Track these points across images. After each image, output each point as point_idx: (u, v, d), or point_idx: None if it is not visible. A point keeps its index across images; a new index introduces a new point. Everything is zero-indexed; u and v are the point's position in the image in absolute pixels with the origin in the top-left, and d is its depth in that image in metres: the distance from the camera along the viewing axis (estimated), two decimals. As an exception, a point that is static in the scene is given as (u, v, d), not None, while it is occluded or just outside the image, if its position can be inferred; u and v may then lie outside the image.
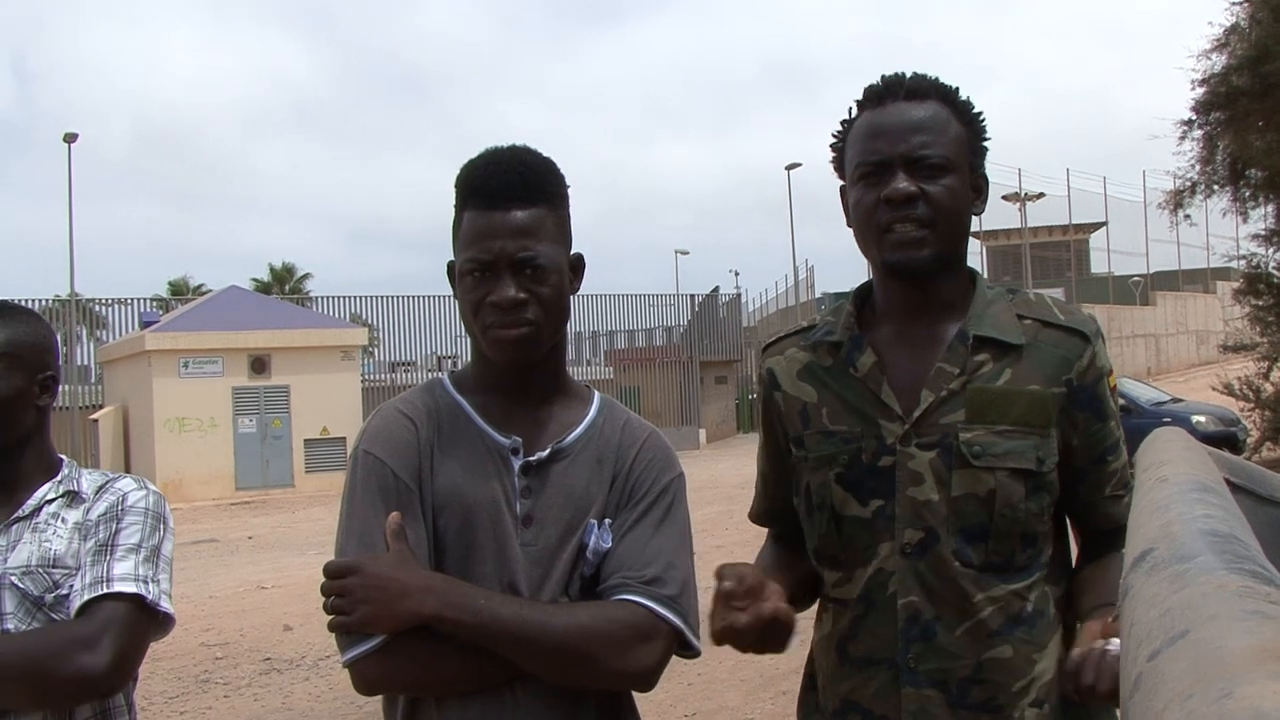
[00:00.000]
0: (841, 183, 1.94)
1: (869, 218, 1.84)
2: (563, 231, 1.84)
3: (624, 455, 1.86)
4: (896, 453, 1.82)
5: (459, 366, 1.93)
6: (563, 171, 1.87)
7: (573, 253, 1.88)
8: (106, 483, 2.16)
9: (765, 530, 2.20)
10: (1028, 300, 1.91)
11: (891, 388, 1.85)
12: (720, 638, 1.69)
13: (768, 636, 1.69)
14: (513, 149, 1.85)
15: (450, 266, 1.86)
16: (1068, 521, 1.94)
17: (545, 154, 1.87)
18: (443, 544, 1.77)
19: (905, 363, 1.86)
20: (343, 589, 1.67)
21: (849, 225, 1.92)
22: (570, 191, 1.89)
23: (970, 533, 1.79)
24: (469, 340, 1.88)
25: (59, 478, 2.15)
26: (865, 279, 2.00)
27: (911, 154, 1.81)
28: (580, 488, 1.82)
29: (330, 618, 1.69)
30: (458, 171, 1.84)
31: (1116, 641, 1.53)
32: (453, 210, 1.84)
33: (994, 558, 1.79)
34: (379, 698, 1.83)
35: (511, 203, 1.77)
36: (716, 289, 37.83)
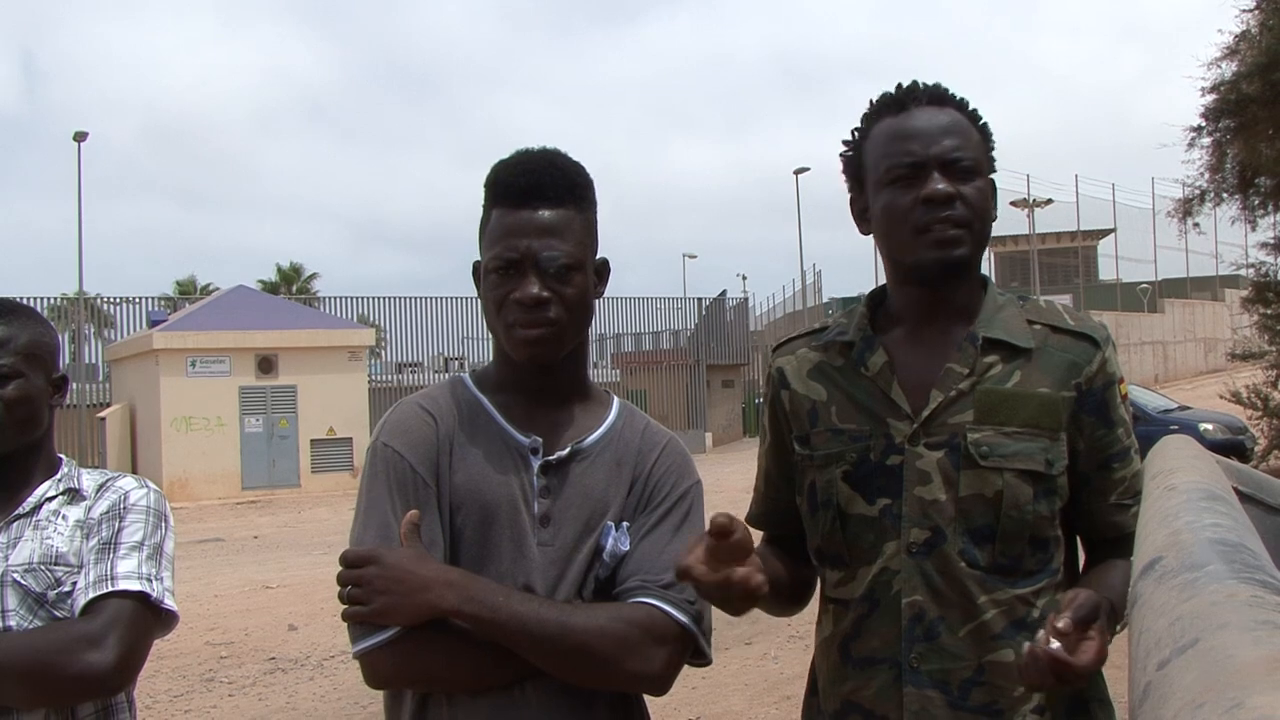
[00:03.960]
0: (850, 194, 1.95)
1: (904, 219, 1.83)
2: (589, 234, 1.85)
3: (643, 459, 1.86)
4: (905, 452, 1.82)
5: (466, 368, 1.94)
6: (591, 176, 1.88)
7: (598, 257, 1.88)
8: (107, 481, 2.17)
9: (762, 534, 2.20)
10: (1038, 306, 1.92)
11: (901, 387, 1.85)
12: (681, 575, 1.63)
13: (730, 599, 1.63)
14: (543, 151, 1.86)
15: (476, 266, 1.87)
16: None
17: (574, 158, 1.88)
18: (459, 540, 1.76)
19: (915, 363, 1.87)
20: (360, 579, 1.66)
21: (863, 233, 1.94)
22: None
23: (977, 534, 1.79)
24: (478, 341, 1.90)
25: (58, 476, 2.16)
26: (872, 283, 2.00)
27: (946, 155, 1.82)
28: (599, 489, 1.82)
29: (344, 607, 1.68)
30: (489, 170, 1.85)
31: (1056, 644, 1.48)
32: (481, 209, 1.85)
33: (1001, 560, 1.79)
34: (382, 698, 1.83)
35: (539, 203, 1.78)
36: (724, 293, 37.86)
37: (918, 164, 1.82)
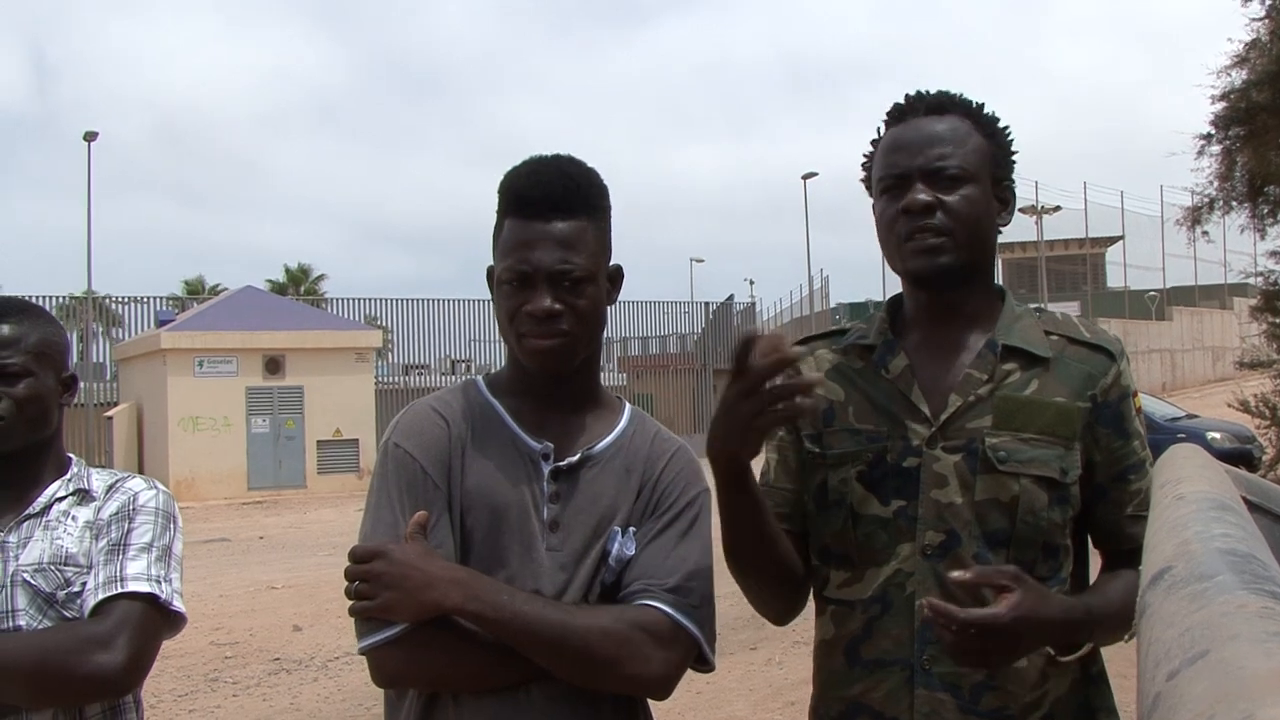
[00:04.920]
0: (873, 200, 1.97)
1: (891, 229, 1.88)
2: (602, 243, 1.85)
3: (652, 466, 1.86)
4: (922, 454, 1.84)
5: (473, 370, 1.94)
6: (605, 183, 1.88)
7: (611, 264, 1.89)
8: (116, 482, 2.17)
9: None
10: (1054, 318, 1.95)
11: (921, 390, 1.87)
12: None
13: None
14: (556, 158, 1.86)
15: (489, 271, 1.87)
16: (1090, 543, 1.94)
17: (589, 164, 1.87)
18: (469, 543, 1.77)
19: (935, 368, 1.89)
20: (368, 573, 1.67)
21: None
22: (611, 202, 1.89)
23: (992, 538, 1.80)
24: (488, 344, 1.90)
25: (68, 476, 2.16)
26: (879, 289, 2.03)
27: (929, 165, 1.84)
28: (608, 495, 1.82)
29: (351, 603, 1.69)
30: (501, 178, 1.85)
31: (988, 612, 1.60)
32: (494, 215, 1.85)
33: (1014, 565, 1.78)
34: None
35: (552, 213, 1.78)
36: (731, 297, 37.91)
37: (902, 175, 1.86)
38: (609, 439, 1.87)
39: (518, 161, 1.87)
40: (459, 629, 1.66)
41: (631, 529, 1.81)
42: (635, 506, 1.83)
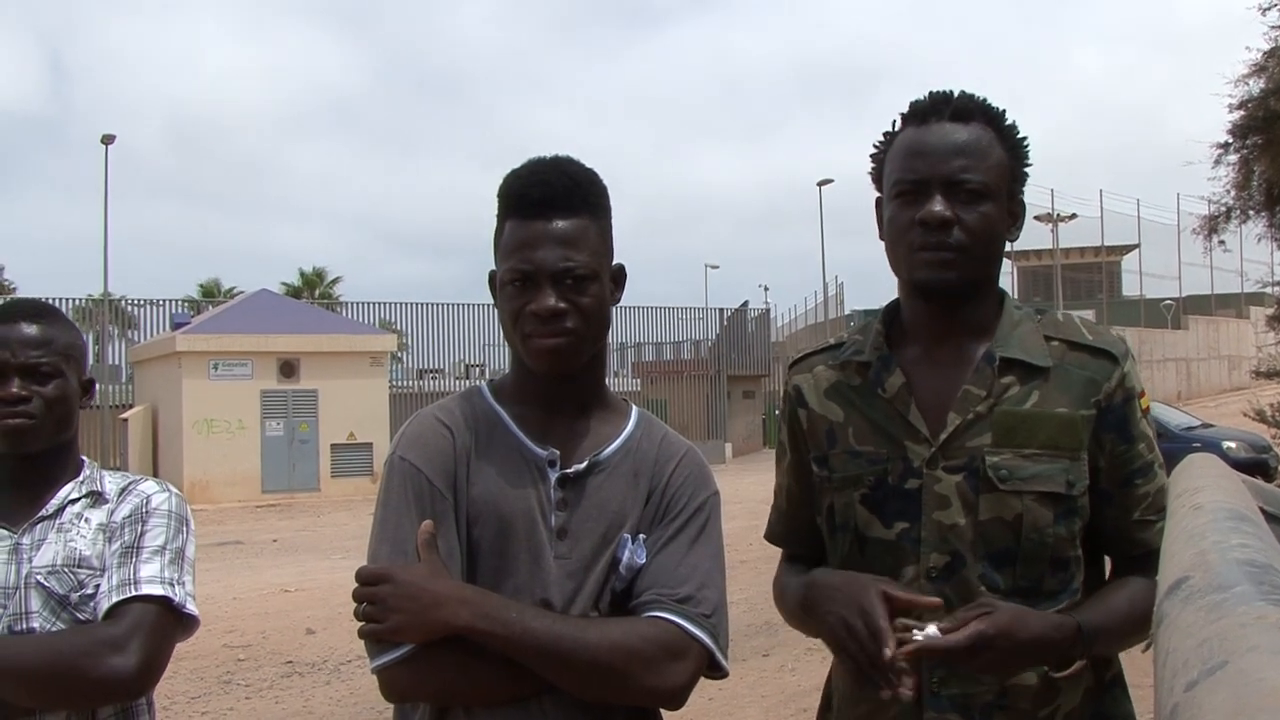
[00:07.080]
0: (878, 194, 1.93)
1: (902, 236, 1.83)
2: (604, 242, 1.84)
3: (660, 471, 1.85)
4: (923, 475, 1.81)
5: (487, 375, 1.93)
6: (605, 183, 1.87)
7: (614, 264, 1.88)
8: (129, 485, 2.18)
9: None
10: (1056, 321, 1.89)
11: (919, 409, 1.83)
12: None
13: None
14: (555, 159, 1.85)
15: (491, 275, 1.87)
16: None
17: (588, 165, 1.87)
18: (476, 553, 1.76)
19: (932, 384, 1.85)
20: (374, 596, 1.67)
21: (881, 238, 1.91)
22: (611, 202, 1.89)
23: (997, 557, 1.78)
24: (501, 349, 1.90)
25: (81, 478, 2.17)
26: (894, 296, 1.98)
27: (951, 177, 1.79)
28: (616, 502, 1.81)
29: (361, 624, 1.69)
30: (501, 181, 1.84)
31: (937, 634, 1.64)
32: (495, 219, 1.85)
33: (1022, 582, 1.77)
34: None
35: (553, 213, 1.77)
36: (745, 303, 37.91)
37: (921, 182, 1.81)
38: (616, 444, 1.86)
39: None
40: (468, 644, 1.66)
41: (641, 536, 1.80)
42: (644, 512, 1.82)
